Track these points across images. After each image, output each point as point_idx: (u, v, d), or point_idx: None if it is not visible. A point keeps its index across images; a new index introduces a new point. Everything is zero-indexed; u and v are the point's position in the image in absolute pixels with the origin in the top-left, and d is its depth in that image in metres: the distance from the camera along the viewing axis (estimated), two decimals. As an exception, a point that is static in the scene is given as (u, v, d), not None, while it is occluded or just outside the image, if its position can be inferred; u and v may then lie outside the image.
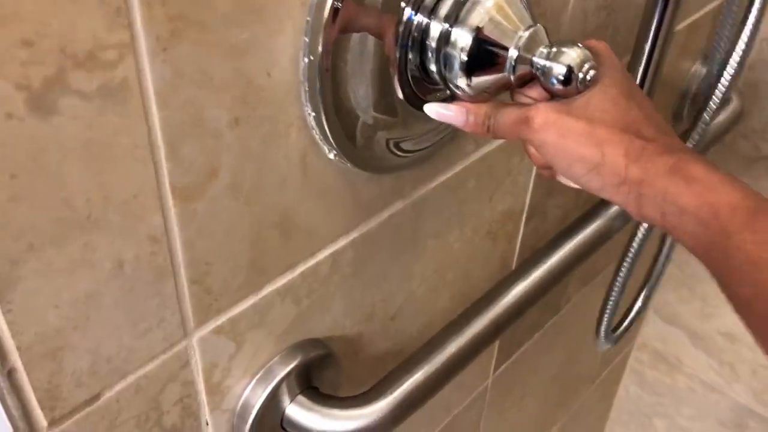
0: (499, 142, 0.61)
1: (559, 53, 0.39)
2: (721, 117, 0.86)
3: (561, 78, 0.39)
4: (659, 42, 0.57)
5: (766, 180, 1.14)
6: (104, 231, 0.34)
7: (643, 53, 0.58)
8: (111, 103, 0.31)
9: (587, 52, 0.39)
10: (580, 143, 0.39)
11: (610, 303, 0.79)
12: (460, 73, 0.42)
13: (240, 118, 0.37)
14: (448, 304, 0.68)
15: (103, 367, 0.38)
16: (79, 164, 0.31)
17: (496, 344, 0.85)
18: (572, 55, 0.39)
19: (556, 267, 0.71)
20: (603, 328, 0.83)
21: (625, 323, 0.90)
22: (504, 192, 0.66)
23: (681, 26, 0.82)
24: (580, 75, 0.38)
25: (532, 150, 0.44)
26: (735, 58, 0.63)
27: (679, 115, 0.95)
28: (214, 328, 0.44)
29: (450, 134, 0.52)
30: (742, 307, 0.36)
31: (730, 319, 1.23)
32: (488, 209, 0.66)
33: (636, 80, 0.62)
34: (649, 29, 0.56)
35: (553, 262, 0.71)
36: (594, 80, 0.39)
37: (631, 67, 0.61)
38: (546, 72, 0.39)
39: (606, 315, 0.81)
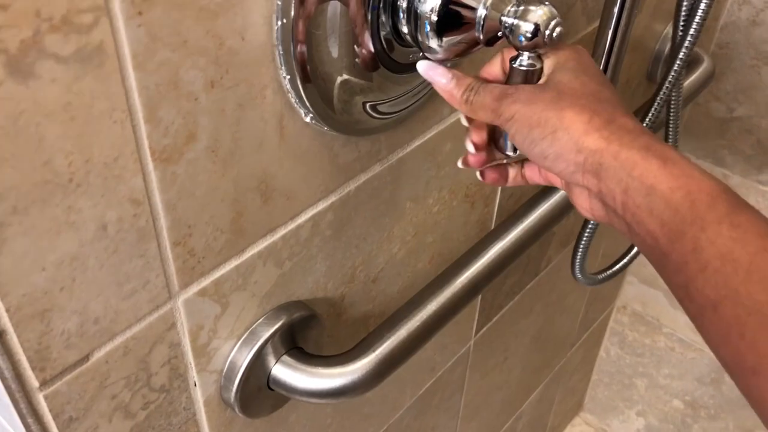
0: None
1: (527, 11, 0.40)
2: (693, 78, 0.88)
3: (528, 35, 0.40)
4: (626, 6, 0.58)
5: (739, 140, 1.16)
6: (87, 193, 0.35)
7: (612, 17, 0.59)
8: (88, 67, 0.32)
9: (554, 10, 0.40)
10: (543, 108, 0.39)
11: (581, 244, 0.81)
12: (430, 33, 0.42)
13: (215, 81, 0.38)
14: (428, 266, 0.70)
15: (91, 328, 0.40)
16: (59, 127, 0.32)
17: (477, 306, 0.87)
18: (539, 12, 0.40)
19: (533, 226, 0.73)
20: (577, 266, 0.85)
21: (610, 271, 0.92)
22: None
23: (652, -11, 0.83)
24: (547, 32, 0.40)
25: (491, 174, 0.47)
26: (696, 18, 0.64)
27: (654, 77, 0.96)
28: (199, 290, 0.45)
29: (426, 96, 0.53)
30: (703, 310, 0.33)
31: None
32: (465, 173, 0.67)
33: (606, 44, 0.63)
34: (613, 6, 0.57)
35: (531, 221, 0.73)
36: (560, 37, 0.40)
37: (600, 32, 0.62)
38: (514, 30, 0.40)
39: (579, 254, 0.83)
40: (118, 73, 0.33)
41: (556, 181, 0.45)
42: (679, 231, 0.34)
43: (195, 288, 0.45)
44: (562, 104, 0.38)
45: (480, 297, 0.86)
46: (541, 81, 0.42)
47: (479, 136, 0.45)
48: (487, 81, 0.43)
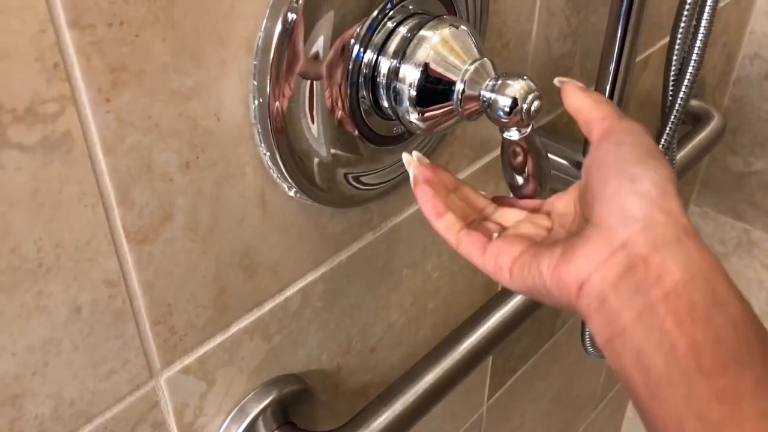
0: (473, 167, 0.62)
1: (504, 85, 0.40)
2: (703, 135, 0.86)
3: (506, 109, 0.39)
4: (621, 69, 0.57)
5: (759, 194, 1.14)
6: (58, 278, 0.35)
7: (607, 80, 0.59)
8: (55, 154, 0.32)
9: (531, 83, 0.40)
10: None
11: None
12: (410, 108, 0.42)
13: (191, 161, 0.38)
14: (430, 333, 0.68)
15: (67, 411, 0.39)
16: (26, 214, 0.32)
17: (488, 371, 0.85)
18: (516, 86, 0.39)
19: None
20: (587, 339, 0.82)
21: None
22: (481, 219, 0.67)
23: (658, 45, 0.82)
24: (525, 106, 0.39)
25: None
26: (687, 75, 0.63)
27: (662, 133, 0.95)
28: (182, 368, 0.45)
29: (416, 166, 0.53)
30: None
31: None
32: (466, 237, 0.66)
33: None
34: (611, 58, 0.57)
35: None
36: (537, 110, 0.39)
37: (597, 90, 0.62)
38: (492, 104, 0.40)
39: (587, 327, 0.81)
40: (87, 159, 0.34)
41: (504, 264, 0.37)
42: (741, 360, 0.29)
43: (178, 366, 0.44)
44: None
45: (491, 361, 0.84)
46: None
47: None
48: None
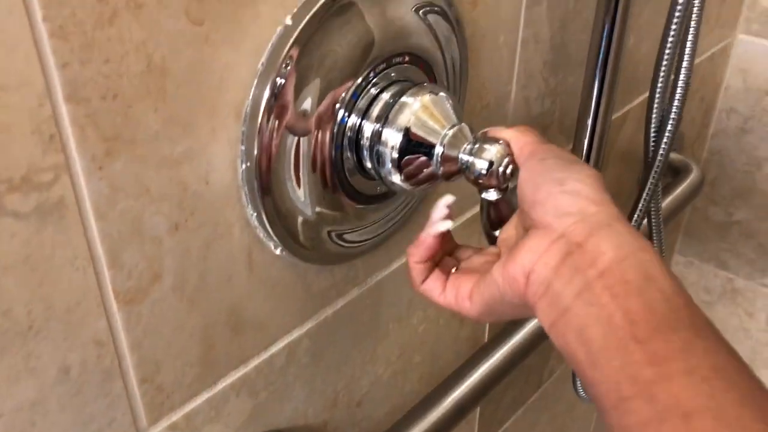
0: (455, 223, 0.63)
1: (481, 149, 0.42)
2: (682, 187, 0.89)
3: (483, 172, 0.41)
4: (598, 126, 0.60)
5: (740, 244, 1.16)
6: (47, 339, 0.36)
7: (584, 137, 0.61)
8: (48, 220, 0.33)
9: (507, 148, 0.41)
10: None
11: None
12: (392, 169, 0.44)
13: (180, 224, 0.39)
14: (417, 386, 0.69)
15: (53, 471, 0.39)
16: (19, 279, 0.33)
17: (476, 423, 0.85)
18: (493, 150, 0.41)
19: (526, 339, 0.72)
20: (578, 383, 0.83)
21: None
22: (466, 272, 0.68)
23: (636, 101, 0.85)
24: (500, 169, 0.41)
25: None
26: (669, 125, 0.66)
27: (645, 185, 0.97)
28: (169, 425, 0.45)
29: (401, 221, 0.55)
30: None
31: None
32: (451, 290, 0.67)
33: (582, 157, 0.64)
34: (587, 116, 0.59)
35: (524, 334, 0.72)
36: (513, 173, 0.41)
37: (576, 145, 0.64)
38: (470, 167, 0.42)
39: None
40: (80, 224, 0.35)
41: (464, 293, 0.41)
42: (671, 326, 0.31)
43: (165, 423, 0.45)
44: None
45: (478, 413, 0.84)
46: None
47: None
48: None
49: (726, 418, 0.28)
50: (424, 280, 0.42)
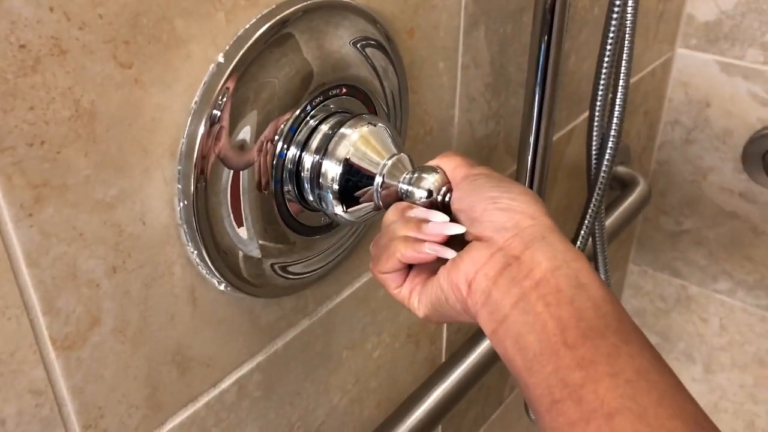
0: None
1: (420, 179, 0.42)
2: (630, 199, 0.91)
3: (423, 200, 0.42)
4: (540, 145, 0.61)
5: (691, 252, 1.18)
6: (-19, 391, 0.35)
7: (527, 156, 0.62)
8: (-24, 271, 0.33)
9: (445, 176, 0.42)
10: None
11: None
12: (333, 201, 0.44)
13: (117, 266, 0.39)
14: (375, 412, 0.69)
15: None
16: (-53, 332, 0.33)
17: (438, 444, 0.85)
18: (431, 179, 0.42)
19: (482, 358, 0.73)
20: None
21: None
22: (419, 295, 0.68)
23: (580, 118, 0.87)
24: (439, 197, 0.41)
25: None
26: (611, 141, 0.67)
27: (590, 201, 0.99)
28: (116, 470, 0.44)
29: (348, 250, 0.55)
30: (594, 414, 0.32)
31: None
32: (405, 313, 0.67)
33: (526, 175, 0.65)
34: (529, 135, 0.61)
35: (480, 353, 0.72)
36: (451, 200, 0.42)
37: (518, 176, 0.65)
38: (409, 195, 0.42)
39: None
40: (11, 273, 0.34)
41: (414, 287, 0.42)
42: (599, 332, 0.33)
43: (111, 468, 0.44)
44: None
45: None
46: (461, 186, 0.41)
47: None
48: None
49: (646, 417, 0.30)
50: (388, 271, 0.43)
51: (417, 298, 0.42)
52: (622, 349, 0.33)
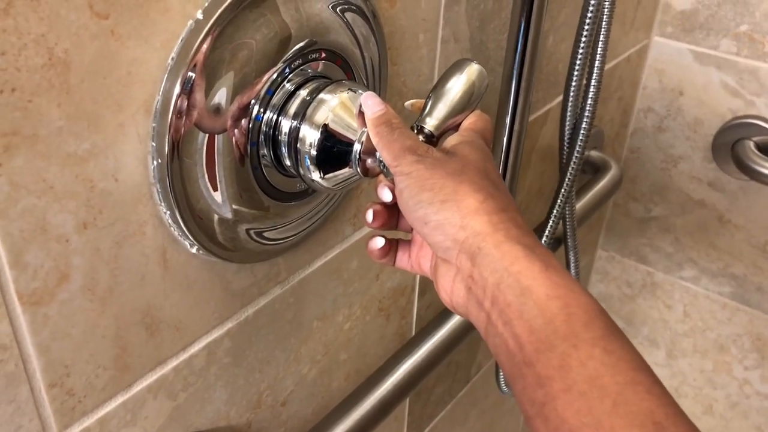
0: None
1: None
2: (601, 183, 0.92)
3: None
4: (516, 126, 0.61)
5: (659, 239, 1.20)
6: (-56, 343, 0.34)
7: (503, 136, 0.62)
8: (-58, 219, 0.32)
9: None
10: (443, 176, 0.38)
11: None
12: (311, 167, 0.44)
13: (88, 222, 0.38)
14: (344, 384, 0.69)
15: (-47, 482, 0.38)
16: None
17: (405, 419, 0.85)
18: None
19: (450, 334, 0.73)
20: (501, 378, 0.85)
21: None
22: (391, 269, 0.69)
23: (556, 101, 0.88)
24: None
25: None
26: (583, 126, 0.68)
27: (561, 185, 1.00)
28: (81, 430, 0.44)
29: (323, 218, 0.54)
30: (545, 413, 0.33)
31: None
32: (376, 287, 0.68)
33: (501, 154, 0.66)
34: (505, 115, 0.61)
35: (448, 329, 0.73)
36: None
37: (496, 139, 0.65)
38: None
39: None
40: (-23, 223, 0.34)
41: (426, 269, 0.43)
42: (549, 343, 0.33)
43: (76, 428, 0.43)
44: (462, 177, 0.38)
45: (407, 409, 0.85)
46: (448, 146, 0.41)
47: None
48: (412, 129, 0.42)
49: (602, 431, 0.31)
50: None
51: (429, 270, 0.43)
52: (572, 356, 0.32)
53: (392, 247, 0.45)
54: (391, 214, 0.44)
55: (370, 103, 0.41)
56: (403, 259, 0.45)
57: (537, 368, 0.33)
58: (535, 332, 0.33)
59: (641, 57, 1.07)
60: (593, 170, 0.96)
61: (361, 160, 0.43)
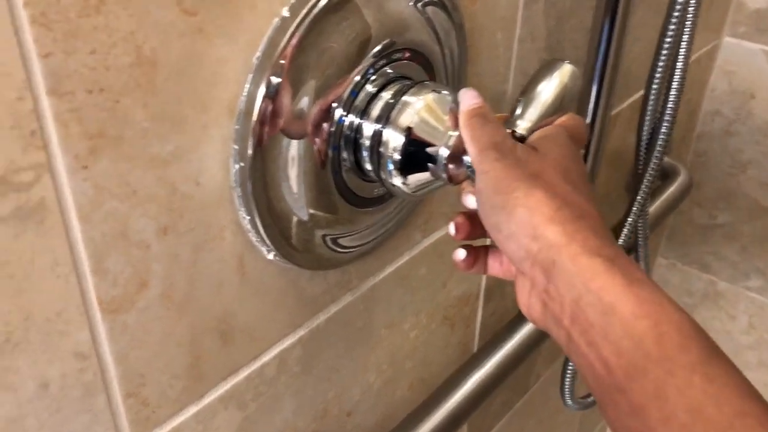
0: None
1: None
2: (671, 190, 0.88)
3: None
4: (596, 127, 0.58)
5: (723, 247, 1.16)
6: (25, 352, 0.33)
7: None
8: (28, 224, 0.31)
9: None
10: (518, 177, 0.35)
11: (570, 367, 0.79)
12: (394, 171, 0.42)
13: (168, 227, 0.37)
14: (408, 393, 0.67)
15: (30, 493, 0.36)
16: (-5, 287, 0.31)
17: (464, 430, 0.83)
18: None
19: (517, 348, 0.71)
20: (566, 391, 0.81)
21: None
22: (458, 277, 0.66)
23: (626, 103, 0.84)
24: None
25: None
26: (663, 128, 0.65)
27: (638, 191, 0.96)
28: (154, 441, 0.42)
29: (395, 225, 0.53)
30: None
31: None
32: (443, 295, 0.65)
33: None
34: (585, 116, 0.58)
35: (514, 343, 0.71)
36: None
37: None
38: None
39: (567, 378, 0.80)
40: (62, 227, 0.32)
41: (510, 273, 0.41)
42: (641, 367, 0.30)
43: (149, 439, 0.42)
44: (538, 181, 0.35)
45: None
46: (532, 139, 0.39)
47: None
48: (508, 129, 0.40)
49: None
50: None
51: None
52: (668, 383, 0.29)
53: (480, 255, 0.42)
54: (475, 224, 0.41)
55: (468, 95, 0.39)
56: (494, 266, 0.42)
57: (629, 396, 0.30)
58: (623, 355, 0.31)
59: (710, 58, 1.02)
60: (662, 176, 0.92)
61: (447, 165, 0.41)
